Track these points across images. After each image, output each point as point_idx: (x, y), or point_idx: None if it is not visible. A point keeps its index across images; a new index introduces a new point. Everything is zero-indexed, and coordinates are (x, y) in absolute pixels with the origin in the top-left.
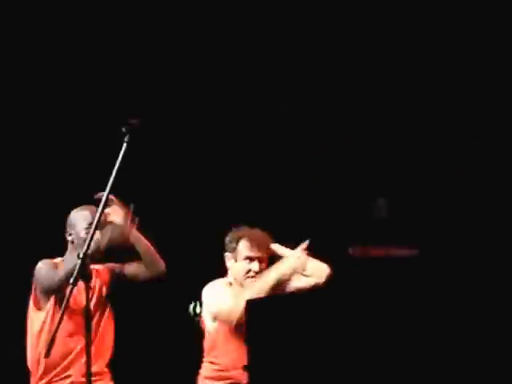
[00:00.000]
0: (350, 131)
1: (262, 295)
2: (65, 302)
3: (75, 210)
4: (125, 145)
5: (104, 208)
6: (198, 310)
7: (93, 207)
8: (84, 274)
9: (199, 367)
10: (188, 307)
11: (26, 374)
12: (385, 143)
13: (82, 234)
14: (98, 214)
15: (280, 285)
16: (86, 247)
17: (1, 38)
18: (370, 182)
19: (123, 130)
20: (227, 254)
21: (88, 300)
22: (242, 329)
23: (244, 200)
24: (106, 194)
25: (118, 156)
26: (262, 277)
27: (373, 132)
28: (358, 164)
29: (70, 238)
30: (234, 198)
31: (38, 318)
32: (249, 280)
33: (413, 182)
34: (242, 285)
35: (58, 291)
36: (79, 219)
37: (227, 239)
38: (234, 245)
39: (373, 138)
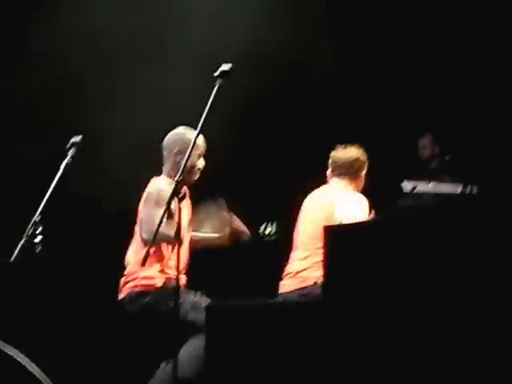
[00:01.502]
0: None
1: None
2: (160, 219)
3: (184, 131)
4: (216, 87)
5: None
6: (267, 231)
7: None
8: (177, 195)
9: None
10: (259, 228)
11: None
12: None
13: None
14: (189, 150)
15: None
16: (180, 172)
17: None
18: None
19: (215, 74)
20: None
21: (180, 216)
22: None
23: None
24: (196, 134)
25: None
26: None
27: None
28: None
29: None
30: None
31: None
32: None
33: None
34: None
35: None
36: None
37: (354, 158)
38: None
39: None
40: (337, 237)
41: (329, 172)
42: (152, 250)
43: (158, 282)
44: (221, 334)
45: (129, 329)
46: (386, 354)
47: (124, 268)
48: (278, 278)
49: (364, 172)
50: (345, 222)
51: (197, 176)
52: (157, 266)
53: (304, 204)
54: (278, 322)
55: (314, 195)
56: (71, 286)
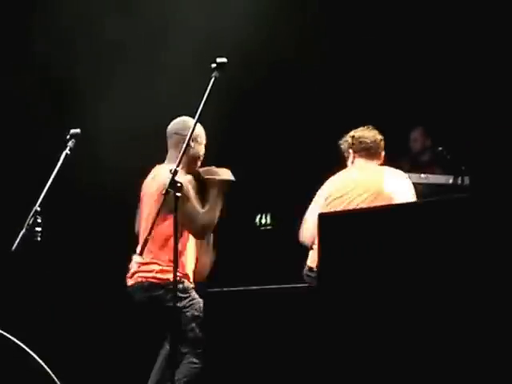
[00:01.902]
0: None
1: None
2: (157, 209)
3: (188, 120)
4: (213, 79)
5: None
6: (263, 221)
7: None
8: (173, 186)
9: None
10: (255, 218)
11: None
12: None
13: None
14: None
15: None
16: (177, 163)
17: None
18: None
19: (212, 66)
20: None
21: (176, 207)
22: None
23: None
24: (193, 125)
25: None
26: None
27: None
28: None
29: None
30: None
31: None
32: None
33: None
34: None
35: None
36: (201, 135)
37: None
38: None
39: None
40: (332, 224)
41: (351, 153)
42: (150, 237)
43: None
44: (218, 320)
45: (131, 316)
46: (381, 340)
47: (124, 256)
48: (276, 266)
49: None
50: (398, 196)
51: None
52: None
53: (330, 190)
54: (273, 308)
55: (348, 178)
56: (72, 275)
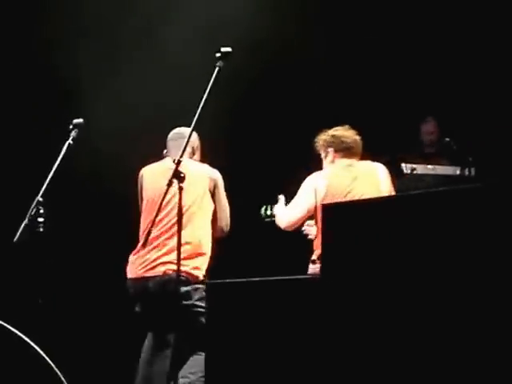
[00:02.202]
0: None
1: None
2: (160, 200)
3: None
4: (217, 69)
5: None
6: (268, 212)
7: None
8: (177, 176)
9: None
10: (260, 209)
11: None
12: None
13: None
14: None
15: None
16: (180, 153)
17: None
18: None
19: (216, 55)
20: (323, 156)
21: (180, 198)
22: None
23: None
24: (196, 116)
25: None
26: None
27: None
28: None
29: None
30: None
31: None
32: None
33: None
34: None
35: None
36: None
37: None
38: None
39: None
40: (336, 215)
41: (330, 152)
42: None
43: (201, 274)
44: (220, 311)
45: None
46: (386, 331)
47: (127, 246)
48: (279, 257)
49: None
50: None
51: None
52: (202, 259)
53: (330, 187)
54: (276, 300)
55: (347, 176)
56: (75, 266)
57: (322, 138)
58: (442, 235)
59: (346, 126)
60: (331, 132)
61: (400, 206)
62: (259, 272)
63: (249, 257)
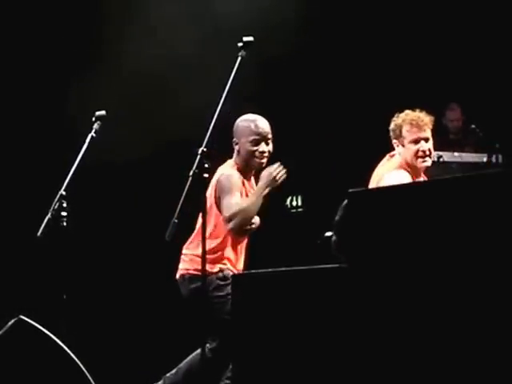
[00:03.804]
0: None
1: None
2: (184, 194)
3: (241, 119)
4: (239, 59)
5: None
6: (294, 203)
7: (258, 119)
8: (201, 168)
9: None
10: (286, 201)
11: None
12: None
13: (247, 146)
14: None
15: None
16: (204, 143)
17: None
18: None
19: (239, 45)
20: (395, 141)
21: (204, 189)
22: None
23: None
24: (219, 108)
25: None
26: None
27: None
28: None
29: (236, 147)
30: None
31: None
32: (420, 160)
33: None
34: (414, 167)
35: None
36: (244, 133)
37: (391, 127)
38: (397, 132)
39: None
40: (361, 201)
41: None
42: None
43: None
44: (246, 303)
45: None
46: (415, 320)
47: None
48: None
49: None
50: None
51: (262, 160)
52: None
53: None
54: (300, 289)
55: None
56: (100, 261)
57: (393, 127)
58: (469, 221)
59: (418, 113)
60: (402, 118)
61: (427, 192)
62: (287, 262)
63: (274, 248)
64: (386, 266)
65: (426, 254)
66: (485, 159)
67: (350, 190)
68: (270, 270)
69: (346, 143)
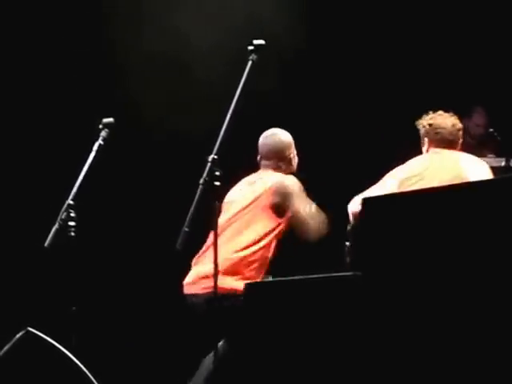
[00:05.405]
0: None
1: None
2: (195, 202)
3: (283, 132)
4: (250, 63)
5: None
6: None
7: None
8: (212, 176)
9: None
10: None
11: None
12: None
13: (295, 157)
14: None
15: None
16: (215, 151)
17: None
18: None
19: (249, 48)
20: (422, 142)
21: (215, 198)
22: None
23: None
24: (230, 112)
25: None
26: None
27: None
28: None
29: (288, 159)
30: None
31: None
32: None
33: None
34: None
35: None
36: (292, 145)
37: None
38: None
39: None
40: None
41: (426, 141)
42: None
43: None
44: (258, 310)
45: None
46: (431, 327)
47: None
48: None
49: None
50: None
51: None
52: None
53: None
54: (316, 298)
55: (423, 165)
56: (109, 271)
57: (421, 123)
58: (485, 227)
59: (444, 113)
60: (429, 119)
61: (444, 198)
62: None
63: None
64: (401, 273)
65: (445, 264)
66: (503, 163)
67: (365, 197)
68: (283, 278)
69: (357, 149)
